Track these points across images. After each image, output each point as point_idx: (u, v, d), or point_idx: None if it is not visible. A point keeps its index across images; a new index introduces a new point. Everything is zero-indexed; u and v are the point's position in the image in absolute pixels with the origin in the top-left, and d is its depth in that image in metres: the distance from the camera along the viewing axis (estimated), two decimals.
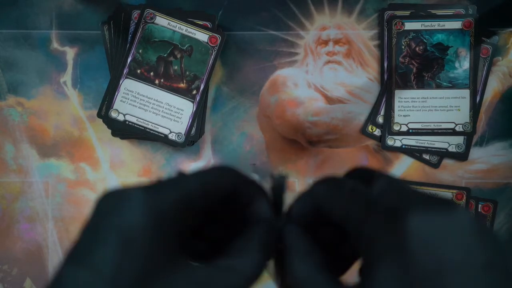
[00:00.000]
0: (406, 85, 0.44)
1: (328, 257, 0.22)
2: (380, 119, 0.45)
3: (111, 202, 0.18)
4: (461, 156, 0.45)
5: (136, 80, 0.44)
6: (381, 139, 0.45)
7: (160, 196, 0.18)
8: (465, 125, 0.44)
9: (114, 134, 0.45)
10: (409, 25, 0.44)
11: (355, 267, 0.22)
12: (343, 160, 0.46)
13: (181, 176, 0.20)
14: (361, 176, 0.21)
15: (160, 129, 0.44)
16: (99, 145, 0.46)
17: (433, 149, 0.45)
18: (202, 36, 0.44)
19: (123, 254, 0.16)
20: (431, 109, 0.44)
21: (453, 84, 0.44)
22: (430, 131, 0.44)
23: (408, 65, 0.44)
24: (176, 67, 0.44)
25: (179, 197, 0.19)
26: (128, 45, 0.44)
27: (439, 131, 0.44)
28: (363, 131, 0.45)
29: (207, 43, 0.44)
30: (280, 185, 0.24)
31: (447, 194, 0.44)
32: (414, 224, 0.16)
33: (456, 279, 0.15)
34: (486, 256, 0.16)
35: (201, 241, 0.23)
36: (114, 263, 0.16)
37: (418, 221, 0.16)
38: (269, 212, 0.23)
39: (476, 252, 0.16)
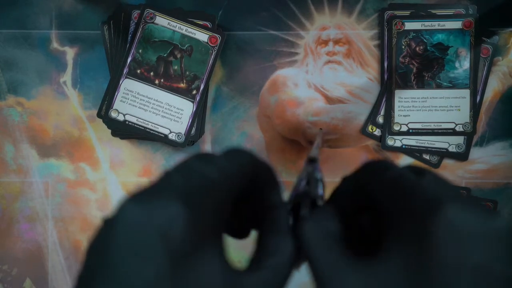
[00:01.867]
0: (406, 85, 0.44)
1: (355, 239, 0.22)
2: (380, 119, 0.45)
3: (147, 211, 0.16)
4: (461, 156, 0.45)
5: (136, 80, 0.44)
6: (381, 139, 0.45)
7: (194, 203, 0.17)
8: (465, 125, 0.44)
9: (114, 134, 0.45)
10: (409, 25, 0.44)
11: None
12: (343, 160, 0.46)
13: (198, 170, 0.19)
14: (410, 169, 0.21)
15: (160, 129, 0.44)
16: (99, 145, 0.46)
17: (433, 149, 0.45)
18: (202, 36, 0.44)
19: (165, 269, 0.15)
20: (431, 109, 0.44)
21: (453, 84, 0.44)
22: (430, 131, 0.44)
23: (408, 65, 0.44)
24: (176, 67, 0.44)
25: (213, 204, 0.18)
26: (128, 45, 0.44)
27: (439, 131, 0.44)
28: (363, 131, 0.45)
29: (207, 43, 0.44)
30: (312, 164, 0.24)
31: None
32: (448, 216, 0.16)
33: (472, 279, 0.15)
34: None
35: (232, 223, 0.23)
36: (155, 280, 0.15)
37: (453, 214, 0.16)
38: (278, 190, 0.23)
39: (505, 262, 0.15)
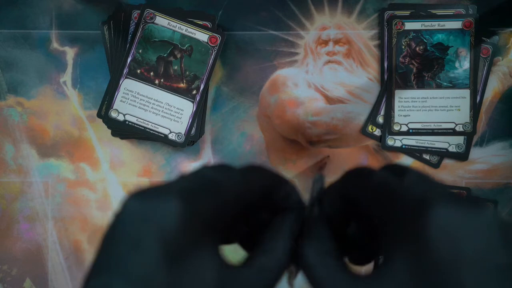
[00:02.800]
0: (406, 85, 0.44)
1: (347, 247, 0.22)
2: (380, 119, 0.45)
3: (147, 207, 0.17)
4: (461, 156, 0.45)
5: (136, 80, 0.44)
6: (381, 139, 0.45)
7: (192, 201, 0.18)
8: (465, 125, 0.44)
9: (114, 134, 0.45)
10: (409, 25, 0.44)
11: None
12: (343, 160, 0.46)
13: (210, 177, 0.20)
14: (392, 170, 0.21)
15: (160, 129, 0.44)
16: (99, 145, 0.46)
17: (433, 149, 0.45)
18: (202, 36, 0.44)
19: (161, 262, 0.16)
20: (431, 109, 0.44)
21: (453, 84, 0.44)
22: (430, 131, 0.44)
23: (408, 65, 0.44)
24: (176, 67, 0.44)
25: (213, 204, 0.19)
26: (128, 45, 0.44)
27: (439, 131, 0.44)
28: (363, 131, 0.45)
29: (207, 43, 0.44)
30: (318, 181, 0.25)
31: None
32: (438, 215, 0.16)
33: (472, 275, 0.15)
34: (509, 257, 0.15)
35: (239, 228, 0.24)
36: (151, 271, 0.16)
37: (442, 212, 0.16)
38: (298, 202, 0.24)
39: (498, 251, 0.15)
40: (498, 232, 0.16)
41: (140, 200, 0.18)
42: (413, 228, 0.17)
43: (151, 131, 0.44)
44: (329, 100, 0.46)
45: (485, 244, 0.16)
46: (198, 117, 0.44)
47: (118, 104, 0.44)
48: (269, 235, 0.21)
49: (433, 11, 0.44)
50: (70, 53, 0.46)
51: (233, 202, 0.20)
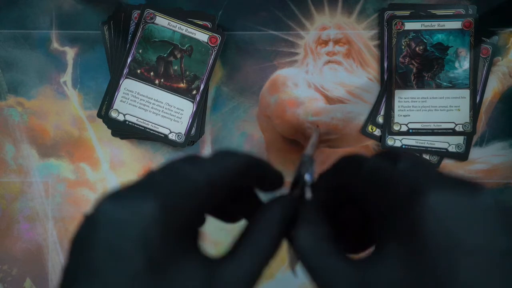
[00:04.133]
0: (406, 85, 0.44)
1: (343, 234, 0.22)
2: (380, 119, 0.45)
3: (124, 210, 0.17)
4: (461, 156, 0.45)
5: (136, 80, 0.44)
6: (381, 139, 0.45)
7: (171, 202, 0.18)
8: (465, 125, 0.44)
9: (114, 134, 0.45)
10: (409, 25, 0.44)
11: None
12: None
13: (182, 172, 0.19)
14: (385, 157, 0.21)
15: (160, 129, 0.44)
16: (99, 145, 0.46)
17: (433, 149, 0.45)
18: (202, 36, 0.44)
19: (144, 268, 0.16)
20: (431, 109, 0.44)
21: (453, 84, 0.44)
22: (430, 131, 0.44)
23: (408, 65, 0.44)
24: (176, 67, 0.44)
25: (189, 202, 0.18)
26: (128, 45, 0.44)
27: (439, 131, 0.44)
28: (363, 131, 0.45)
29: (207, 43, 0.44)
30: (306, 164, 0.24)
31: None
32: (433, 201, 0.16)
33: (469, 261, 0.15)
34: (508, 242, 0.15)
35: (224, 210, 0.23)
36: (134, 279, 0.15)
37: (437, 198, 0.16)
38: (280, 179, 0.23)
39: (497, 237, 0.15)
40: (497, 217, 0.15)
41: (115, 202, 0.17)
42: (407, 215, 0.16)
43: (151, 131, 0.44)
44: (329, 100, 0.46)
45: (483, 230, 0.15)
46: (198, 117, 0.44)
47: (118, 104, 0.44)
48: (255, 225, 0.20)
49: (433, 11, 0.44)
50: (70, 53, 0.46)
51: (209, 195, 0.20)
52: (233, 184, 0.21)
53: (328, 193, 0.23)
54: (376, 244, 0.19)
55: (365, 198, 0.20)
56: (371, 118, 0.45)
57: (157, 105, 0.44)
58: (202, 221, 0.21)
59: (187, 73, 0.44)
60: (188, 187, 0.19)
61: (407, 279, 0.16)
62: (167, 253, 0.17)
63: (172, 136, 0.44)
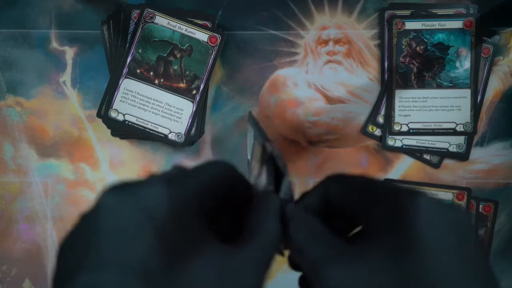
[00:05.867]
0: (406, 85, 0.44)
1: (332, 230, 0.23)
2: (381, 119, 0.45)
3: (129, 194, 0.16)
4: (462, 156, 0.44)
5: (136, 80, 0.44)
6: (381, 139, 0.45)
7: (179, 187, 0.18)
8: (466, 125, 0.44)
9: (113, 134, 0.45)
10: (410, 25, 0.44)
11: None
12: (343, 160, 0.46)
13: (183, 172, 0.20)
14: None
15: (160, 129, 0.44)
16: (98, 145, 0.46)
17: (433, 149, 0.44)
18: (202, 35, 0.44)
19: (154, 246, 0.16)
20: (431, 109, 0.44)
21: (454, 84, 0.44)
22: (431, 131, 0.44)
23: (409, 65, 0.44)
24: (176, 67, 0.44)
25: (193, 188, 0.19)
26: (127, 45, 0.44)
27: (440, 131, 0.44)
28: (364, 131, 0.45)
29: (207, 42, 0.44)
30: (251, 119, 0.25)
31: (448, 194, 0.44)
32: (423, 207, 0.18)
33: (458, 260, 0.17)
34: (481, 250, 0.18)
35: (220, 222, 0.23)
36: (145, 257, 0.15)
37: (426, 206, 0.18)
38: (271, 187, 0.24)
39: (473, 243, 0.18)
40: (472, 226, 0.18)
41: (119, 191, 0.17)
42: (398, 210, 0.18)
43: (151, 131, 0.44)
44: (329, 100, 0.45)
45: (464, 236, 0.18)
46: (198, 117, 0.44)
47: (117, 104, 0.44)
48: (255, 218, 0.21)
49: (434, 11, 0.44)
50: (69, 52, 0.46)
51: (209, 192, 0.20)
52: (221, 193, 0.21)
53: (313, 208, 0.23)
54: (364, 234, 0.21)
55: (359, 212, 0.21)
56: (372, 118, 0.45)
57: (156, 105, 0.44)
58: (216, 211, 0.21)
59: (187, 73, 0.44)
60: (191, 177, 0.19)
61: (394, 269, 0.17)
62: (177, 232, 0.17)
63: (172, 136, 0.44)
